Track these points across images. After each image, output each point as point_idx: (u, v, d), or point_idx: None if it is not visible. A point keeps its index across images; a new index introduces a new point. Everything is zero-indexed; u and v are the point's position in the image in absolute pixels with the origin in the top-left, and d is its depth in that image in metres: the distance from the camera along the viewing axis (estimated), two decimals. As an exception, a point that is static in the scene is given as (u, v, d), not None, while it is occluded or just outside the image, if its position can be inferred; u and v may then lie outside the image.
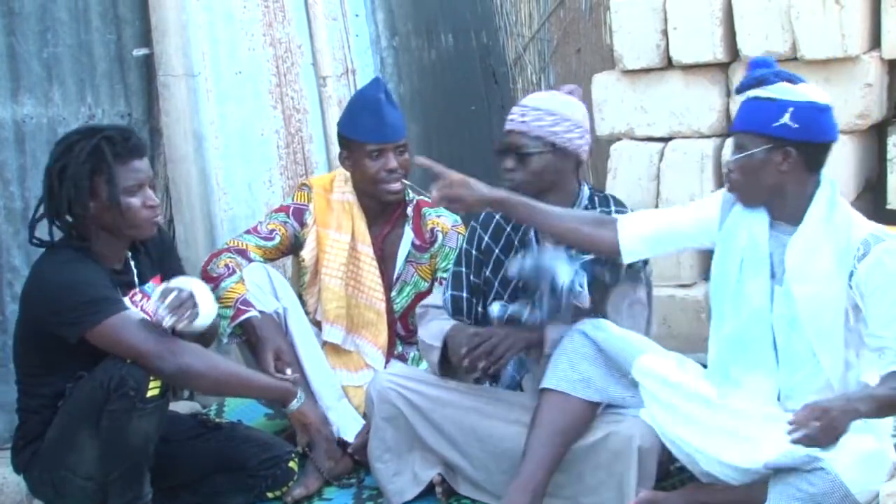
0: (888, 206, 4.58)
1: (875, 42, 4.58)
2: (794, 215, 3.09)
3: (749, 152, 3.05)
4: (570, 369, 3.20)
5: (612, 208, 3.55)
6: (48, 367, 3.30)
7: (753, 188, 3.09)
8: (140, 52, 4.35)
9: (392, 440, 3.44)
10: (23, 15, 3.99)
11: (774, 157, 3.03)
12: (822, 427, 2.77)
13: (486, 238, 3.64)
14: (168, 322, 3.16)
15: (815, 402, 2.84)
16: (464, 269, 3.66)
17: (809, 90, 3.08)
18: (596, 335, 3.21)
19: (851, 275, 3.00)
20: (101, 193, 3.24)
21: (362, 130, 3.89)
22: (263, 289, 3.77)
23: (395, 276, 3.98)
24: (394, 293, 3.98)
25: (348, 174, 3.98)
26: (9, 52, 3.96)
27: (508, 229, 3.61)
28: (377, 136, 3.87)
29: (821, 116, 3.05)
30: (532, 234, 3.58)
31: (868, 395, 2.89)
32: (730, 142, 4.58)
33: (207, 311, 3.23)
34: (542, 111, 3.46)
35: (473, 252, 3.64)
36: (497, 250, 3.62)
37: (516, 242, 3.60)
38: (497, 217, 3.64)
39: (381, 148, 3.87)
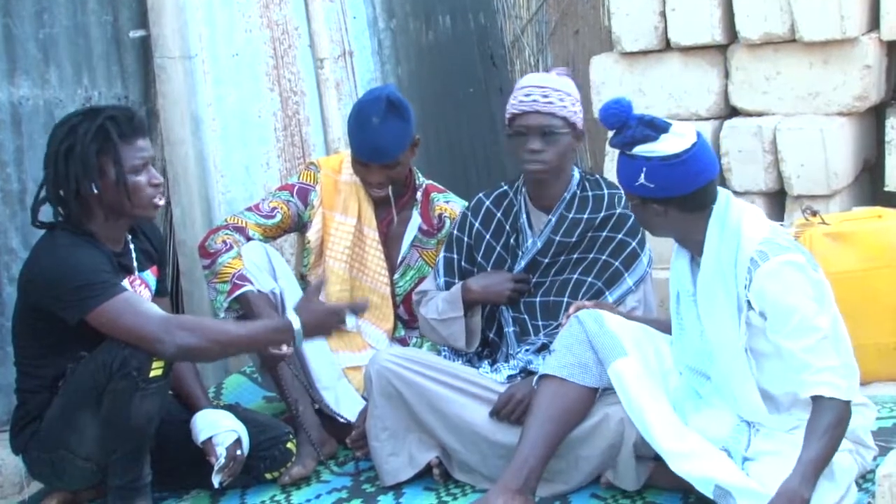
0: (886, 188, 4.58)
1: (874, 23, 4.57)
2: (701, 249, 3.06)
3: (631, 204, 3.12)
4: (567, 354, 3.20)
5: (605, 191, 3.56)
6: (48, 349, 3.30)
7: (649, 230, 3.17)
8: (137, 33, 4.33)
9: (390, 419, 3.45)
10: (19, -4, 3.98)
11: (650, 210, 3.04)
12: None
13: (477, 224, 3.65)
14: (217, 480, 3.41)
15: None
16: (455, 255, 3.67)
17: (666, 143, 2.97)
18: (589, 327, 3.21)
19: (749, 304, 2.96)
20: (109, 173, 3.25)
21: (353, 141, 3.88)
22: (261, 268, 3.76)
23: (399, 260, 3.97)
24: (396, 276, 3.96)
25: None
26: (5, 33, 3.95)
27: (499, 215, 3.63)
28: (361, 153, 3.84)
29: (675, 171, 2.96)
30: (523, 219, 3.58)
31: (809, 471, 2.82)
32: (726, 126, 4.59)
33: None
34: (561, 91, 3.49)
35: (465, 238, 3.66)
36: (488, 236, 3.63)
37: (507, 228, 3.61)
38: (487, 203, 3.65)
39: (366, 163, 3.85)
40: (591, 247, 3.53)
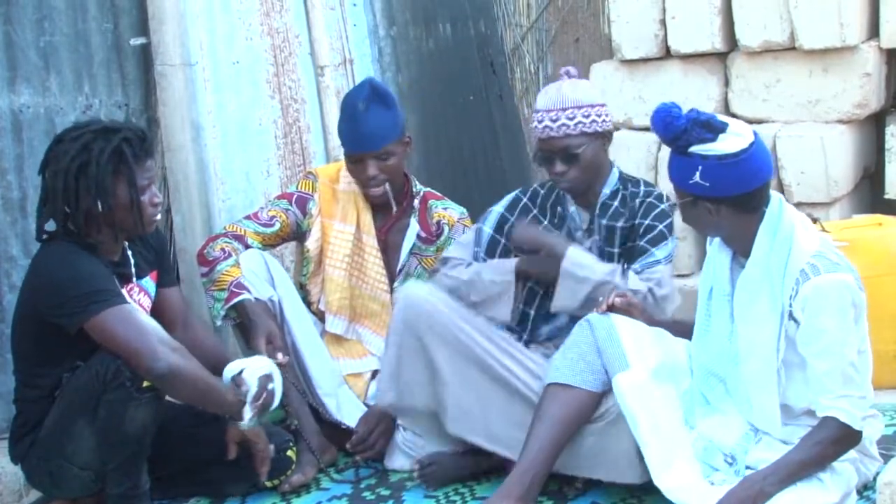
0: (886, 196, 4.59)
1: (874, 31, 4.58)
2: (747, 250, 3.04)
3: (680, 202, 3.05)
4: (578, 361, 3.18)
5: (642, 189, 3.60)
6: (46, 358, 3.30)
7: (697, 229, 3.15)
8: (137, 41, 4.33)
9: (406, 362, 3.46)
10: (19, 4, 3.97)
11: (701, 208, 3.01)
12: None
13: (526, 200, 3.70)
14: (249, 414, 3.31)
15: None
16: (499, 237, 3.68)
17: (724, 142, 2.94)
18: (599, 334, 3.20)
19: (791, 314, 2.95)
20: (121, 194, 3.26)
21: (342, 137, 3.93)
22: (259, 276, 3.76)
23: (398, 268, 3.97)
24: (396, 284, 3.96)
25: None
26: (6, 40, 3.95)
27: (536, 211, 3.65)
28: (351, 145, 3.87)
29: (732, 170, 2.93)
30: (572, 209, 3.62)
31: (781, 469, 2.87)
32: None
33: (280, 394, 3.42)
34: (572, 108, 3.50)
35: (489, 231, 3.69)
36: (535, 210, 3.68)
37: (548, 217, 3.64)
38: (525, 199, 3.70)
39: (359, 156, 3.85)
40: (635, 236, 3.55)
